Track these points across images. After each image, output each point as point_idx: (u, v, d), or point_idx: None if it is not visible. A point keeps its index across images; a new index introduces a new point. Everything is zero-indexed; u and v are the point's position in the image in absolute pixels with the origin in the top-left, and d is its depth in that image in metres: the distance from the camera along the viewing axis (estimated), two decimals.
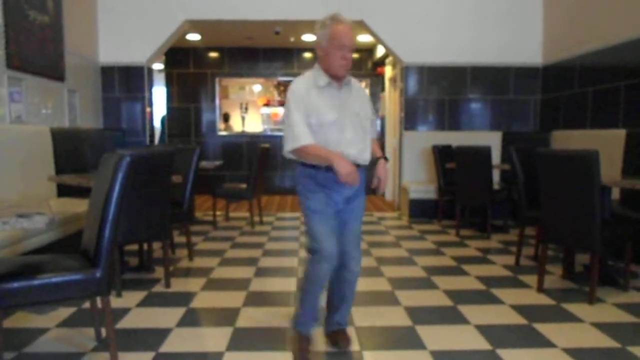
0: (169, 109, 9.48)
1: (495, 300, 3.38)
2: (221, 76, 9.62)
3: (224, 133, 9.73)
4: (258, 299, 3.42)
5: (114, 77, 6.48)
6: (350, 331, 2.82)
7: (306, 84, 2.42)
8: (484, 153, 5.27)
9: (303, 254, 4.70)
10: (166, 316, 3.07)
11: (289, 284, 3.76)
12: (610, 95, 5.01)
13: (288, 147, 2.38)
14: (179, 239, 5.07)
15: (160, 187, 3.51)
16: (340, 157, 2.32)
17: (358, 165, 2.43)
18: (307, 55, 9.52)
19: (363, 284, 3.76)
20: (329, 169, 2.35)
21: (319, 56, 2.42)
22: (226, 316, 3.08)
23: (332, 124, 2.38)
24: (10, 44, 4.32)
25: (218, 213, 6.46)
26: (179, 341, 2.71)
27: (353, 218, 2.54)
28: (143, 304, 3.31)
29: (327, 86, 2.41)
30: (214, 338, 2.76)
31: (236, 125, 10.42)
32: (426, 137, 6.63)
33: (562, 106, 6.05)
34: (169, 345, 2.65)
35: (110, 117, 6.52)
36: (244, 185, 6.11)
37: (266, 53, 9.49)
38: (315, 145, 2.36)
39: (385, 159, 2.60)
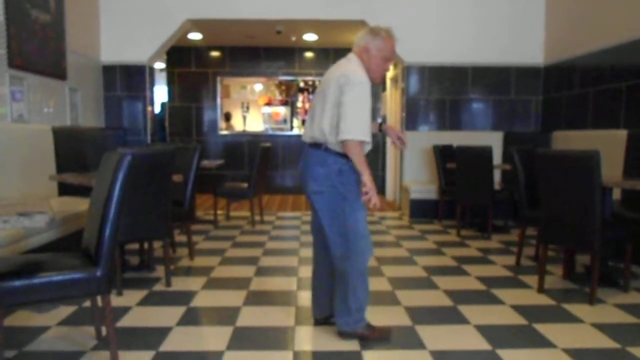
0: (170, 107, 9.49)
1: (496, 301, 3.38)
2: (222, 75, 9.62)
3: (225, 132, 9.73)
4: (258, 298, 3.43)
5: (115, 76, 6.49)
6: None
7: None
8: (485, 153, 5.26)
9: (304, 253, 4.70)
10: (167, 315, 3.08)
11: (290, 283, 3.76)
12: (611, 95, 5.00)
13: (351, 134, 2.43)
14: (179, 238, 5.07)
15: (161, 186, 3.52)
16: (369, 171, 2.50)
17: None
18: (309, 54, 9.51)
19: None
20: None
21: (363, 58, 2.60)
22: (227, 315, 3.09)
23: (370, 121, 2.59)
24: (11, 43, 4.32)
25: (219, 212, 6.46)
26: (180, 340, 2.72)
27: None
28: (144, 302, 3.32)
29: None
30: (215, 337, 2.76)
31: (237, 124, 10.42)
32: (427, 137, 6.63)
33: (564, 106, 6.04)
34: (170, 344, 2.65)
35: (111, 116, 6.52)
36: (245, 185, 6.11)
37: (267, 52, 9.49)
38: (362, 147, 2.50)
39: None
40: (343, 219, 2.56)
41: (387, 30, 2.63)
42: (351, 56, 2.63)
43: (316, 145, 2.60)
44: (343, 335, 2.70)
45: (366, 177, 2.45)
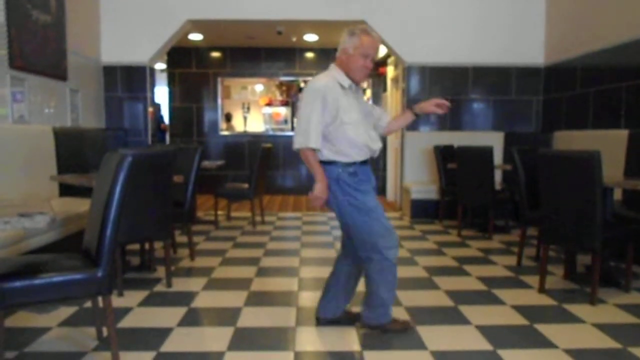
0: (171, 108, 9.50)
1: (497, 301, 3.38)
2: (223, 76, 9.63)
3: (226, 133, 9.74)
4: (259, 299, 3.43)
5: (116, 77, 6.49)
6: (351, 331, 2.83)
7: (331, 83, 2.57)
8: (485, 153, 5.26)
9: (305, 253, 4.71)
10: (167, 316, 3.08)
11: (291, 284, 3.76)
12: (612, 95, 5.00)
13: (297, 144, 2.55)
14: (180, 238, 5.07)
15: (162, 186, 3.52)
16: (323, 177, 2.55)
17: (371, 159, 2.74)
18: (309, 55, 9.52)
19: (364, 284, 3.76)
20: (364, 162, 2.64)
21: (342, 60, 2.63)
22: (227, 316, 3.09)
23: (356, 122, 2.59)
24: (12, 44, 4.33)
25: (220, 213, 6.46)
26: (180, 341, 2.71)
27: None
28: (144, 303, 3.32)
29: (349, 88, 2.63)
30: (215, 338, 2.76)
31: (238, 125, 10.43)
32: (428, 138, 6.63)
33: (564, 107, 6.04)
34: (170, 345, 2.65)
35: (112, 117, 6.53)
36: (245, 185, 6.11)
37: (268, 53, 9.49)
38: (314, 154, 2.56)
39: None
40: (353, 222, 2.59)
41: (363, 27, 2.64)
42: (331, 65, 2.70)
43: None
44: (366, 327, 2.80)
45: (317, 184, 2.54)
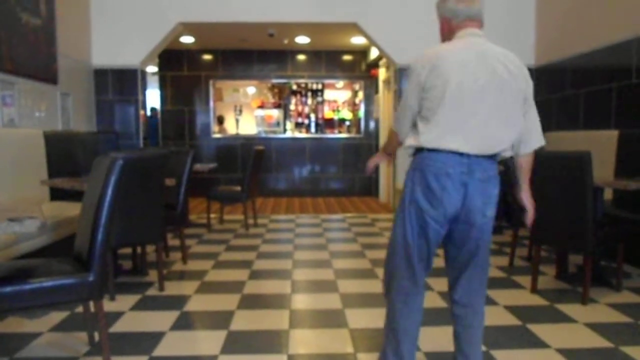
0: (163, 111, 9.46)
1: (489, 301, 3.39)
2: (215, 78, 9.61)
3: (218, 135, 9.71)
4: (252, 302, 3.41)
5: (107, 80, 6.45)
6: (345, 333, 2.83)
7: None
8: None
9: (298, 256, 4.70)
10: (160, 320, 3.06)
11: (284, 287, 3.75)
12: (602, 96, 5.04)
13: (543, 140, 2.10)
14: (172, 242, 5.05)
15: (154, 189, 3.50)
16: None
17: None
18: (301, 57, 9.52)
19: (357, 286, 3.77)
20: None
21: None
22: (220, 319, 3.07)
23: None
24: (2, 47, 4.29)
25: (212, 216, 6.44)
26: (173, 345, 2.70)
27: None
28: (136, 307, 3.30)
29: None
30: (208, 341, 2.75)
31: (230, 127, 10.41)
32: None
33: (555, 108, 6.08)
34: (163, 349, 2.64)
35: (103, 120, 6.49)
36: (238, 188, 6.10)
37: (260, 55, 9.48)
38: None
39: None
40: (488, 249, 2.12)
41: None
42: (480, 32, 2.20)
43: (491, 157, 1.95)
44: None
45: (529, 193, 2.02)
